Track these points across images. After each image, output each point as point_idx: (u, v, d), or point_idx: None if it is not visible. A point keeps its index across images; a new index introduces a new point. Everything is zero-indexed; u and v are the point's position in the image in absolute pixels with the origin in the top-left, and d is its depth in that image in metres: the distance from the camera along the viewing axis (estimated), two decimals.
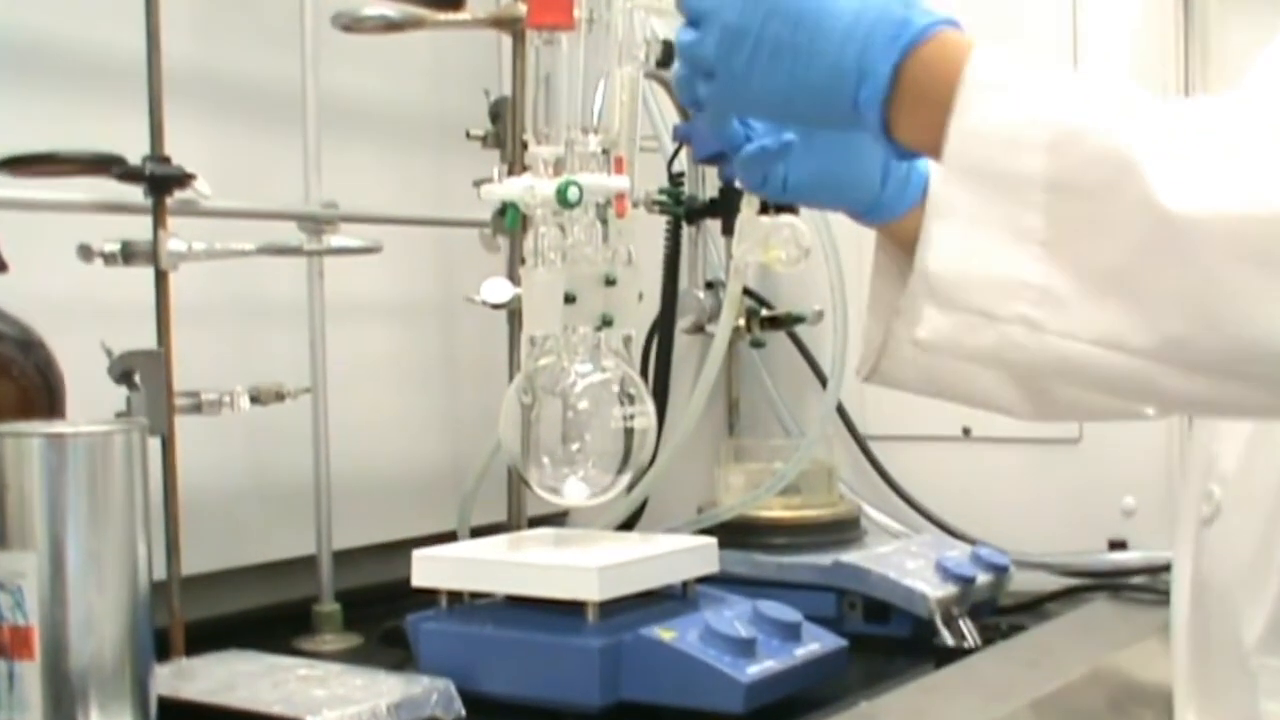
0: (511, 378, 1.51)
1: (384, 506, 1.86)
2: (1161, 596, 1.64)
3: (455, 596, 1.37)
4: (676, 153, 1.90)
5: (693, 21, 0.93)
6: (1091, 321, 0.77)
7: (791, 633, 1.34)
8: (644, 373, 1.95)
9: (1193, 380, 0.77)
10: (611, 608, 1.30)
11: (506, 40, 1.68)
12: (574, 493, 1.31)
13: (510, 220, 1.24)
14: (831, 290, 1.65)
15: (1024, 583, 1.72)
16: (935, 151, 0.82)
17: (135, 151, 1.40)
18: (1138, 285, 0.76)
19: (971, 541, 1.77)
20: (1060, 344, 0.78)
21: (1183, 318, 0.75)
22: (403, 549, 1.42)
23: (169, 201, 1.42)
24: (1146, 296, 0.76)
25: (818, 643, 1.36)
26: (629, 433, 1.28)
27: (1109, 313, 0.77)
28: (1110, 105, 0.79)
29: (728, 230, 1.89)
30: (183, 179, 1.42)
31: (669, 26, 1.20)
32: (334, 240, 1.62)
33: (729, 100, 0.93)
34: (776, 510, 1.67)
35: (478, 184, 1.27)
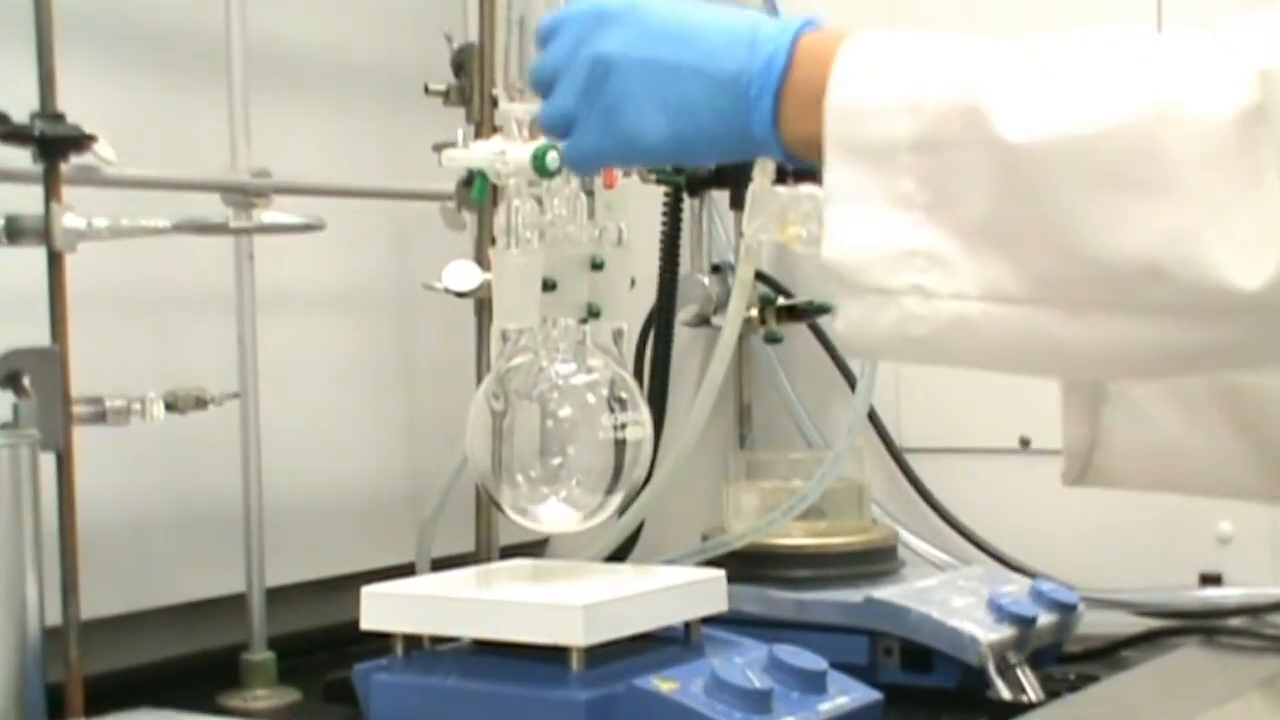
0: (480, 379, 1.50)
1: (327, 535, 1.85)
2: (1267, 642, 1.64)
3: (413, 642, 1.37)
4: None
5: (542, 80, 1.05)
6: (975, 277, 0.89)
7: (815, 683, 1.33)
8: (638, 373, 1.95)
9: (1082, 324, 0.87)
10: (600, 654, 1.30)
11: None
12: (555, 517, 1.31)
13: (478, 192, 1.25)
14: None
15: (1096, 624, 1.72)
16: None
17: (22, 107, 1.39)
18: (1004, 229, 0.88)
19: (1032, 574, 1.77)
20: (953, 306, 0.89)
21: (1045, 252, 0.87)
22: (350, 585, 1.42)
23: (64, 168, 1.41)
24: (1013, 239, 0.88)
25: (846, 695, 1.35)
26: (620, 445, 1.28)
27: (989, 264, 0.88)
28: (960, 55, 0.91)
29: (737, 203, 1.89)
30: (80, 141, 1.41)
31: None
32: (266, 216, 1.61)
33: (596, 152, 1.04)
34: (797, 537, 1.66)
35: (439, 148, 1.27)
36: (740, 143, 0.99)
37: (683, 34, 0.99)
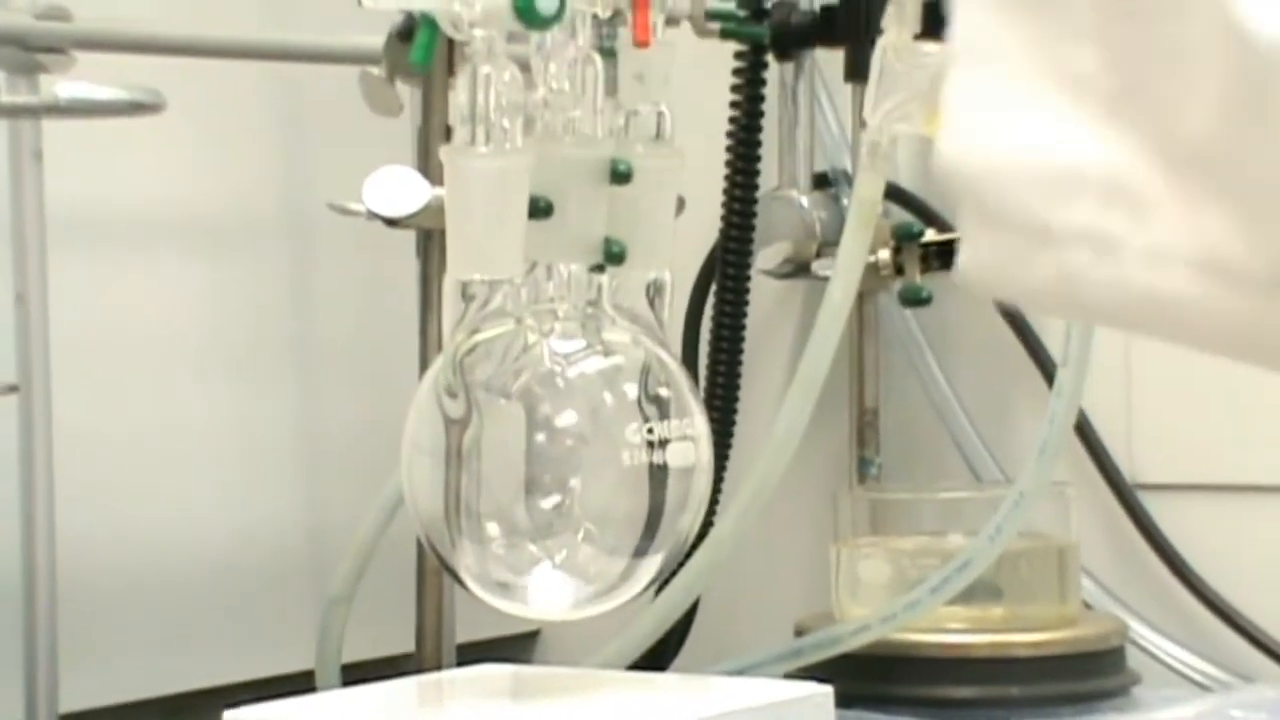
0: (425, 364, 1.52)
1: (168, 627, 1.87)
2: None
3: None
4: None
5: None
6: (1185, 229, 0.84)
7: None
8: (690, 356, 1.96)
9: None
10: None
11: None
12: (548, 595, 1.32)
13: (421, 52, 1.26)
14: None
15: None
16: None
17: None
18: (1229, 163, 0.83)
19: None
20: (1144, 278, 0.85)
21: None
22: (205, 708, 1.44)
23: None
24: (1241, 183, 0.83)
25: None
26: (658, 474, 1.30)
27: (1206, 214, 0.83)
28: None
29: (857, 72, 1.90)
30: None
31: None
32: (64, 87, 1.63)
33: None
34: (956, 632, 1.70)
35: None
36: None
37: None
